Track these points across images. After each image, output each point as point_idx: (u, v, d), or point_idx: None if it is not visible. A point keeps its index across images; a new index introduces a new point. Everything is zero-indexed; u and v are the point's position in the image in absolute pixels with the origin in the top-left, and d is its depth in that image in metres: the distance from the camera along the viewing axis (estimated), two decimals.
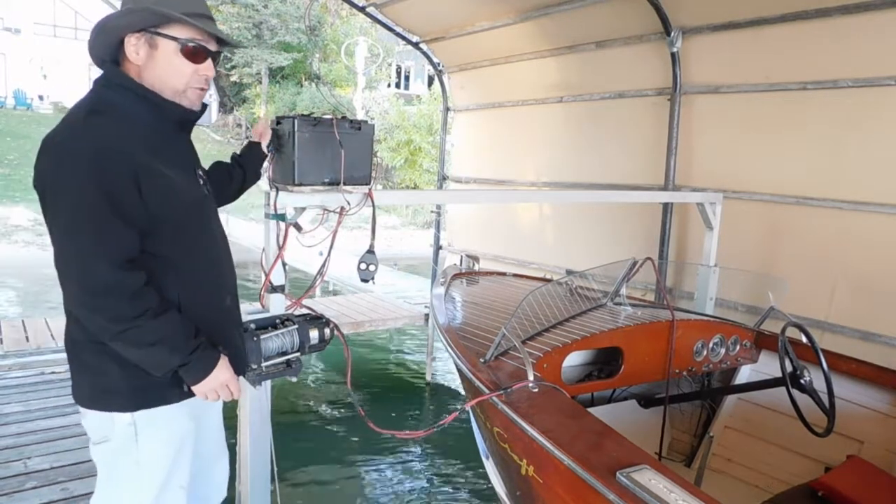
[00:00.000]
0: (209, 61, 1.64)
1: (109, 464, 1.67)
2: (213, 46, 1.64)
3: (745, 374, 3.41)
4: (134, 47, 1.58)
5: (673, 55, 4.77)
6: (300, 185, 2.48)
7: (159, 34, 1.57)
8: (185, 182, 1.68)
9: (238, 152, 2.24)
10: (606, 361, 2.98)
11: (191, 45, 1.59)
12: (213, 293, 1.76)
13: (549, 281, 4.05)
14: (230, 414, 2.12)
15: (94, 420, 1.65)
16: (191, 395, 1.69)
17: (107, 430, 1.64)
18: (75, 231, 1.47)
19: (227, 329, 1.79)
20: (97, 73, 1.65)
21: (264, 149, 2.23)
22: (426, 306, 6.93)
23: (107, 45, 1.61)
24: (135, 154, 1.51)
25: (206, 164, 1.97)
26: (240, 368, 1.81)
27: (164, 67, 1.59)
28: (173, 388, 1.65)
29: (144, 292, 1.52)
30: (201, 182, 1.77)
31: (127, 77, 1.60)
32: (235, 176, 2.16)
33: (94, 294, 1.46)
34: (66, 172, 1.46)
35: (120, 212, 1.48)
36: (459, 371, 2.67)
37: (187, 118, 1.68)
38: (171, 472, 1.69)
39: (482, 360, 2.44)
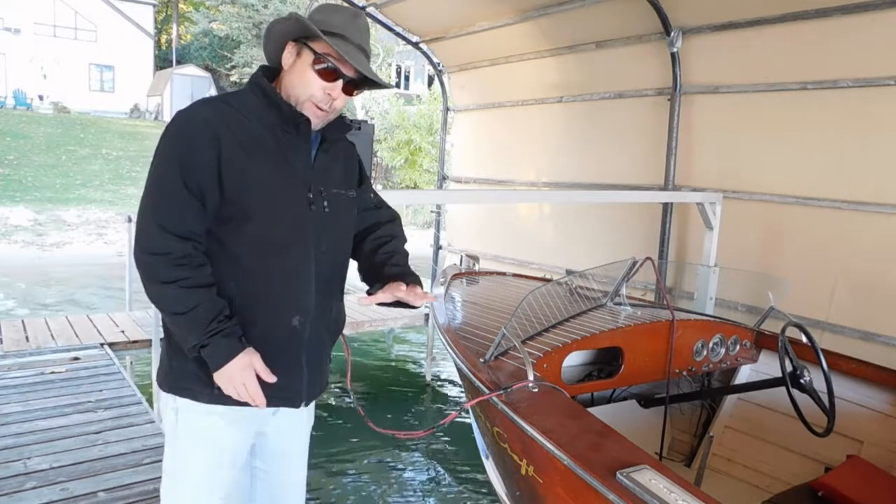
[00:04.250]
0: (339, 83, 1.63)
1: (167, 445, 1.72)
2: (349, 72, 1.62)
3: (745, 374, 3.41)
4: (288, 54, 1.65)
5: (673, 55, 4.77)
6: None
7: (307, 45, 1.62)
8: (281, 187, 1.61)
9: (394, 268, 1.77)
10: (606, 361, 2.98)
11: (323, 61, 1.61)
12: (277, 307, 1.64)
13: (549, 281, 4.05)
14: None
15: (160, 396, 1.75)
16: (223, 402, 1.60)
17: (164, 408, 1.71)
18: (148, 190, 1.56)
19: (289, 351, 1.67)
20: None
21: (413, 302, 1.69)
22: (426, 306, 6.93)
23: (275, 49, 1.69)
24: (227, 137, 1.55)
25: None
26: (292, 399, 1.72)
27: (297, 76, 1.63)
28: (204, 387, 1.60)
29: (191, 263, 1.53)
30: (311, 196, 1.64)
31: (264, 79, 1.66)
32: (370, 260, 1.81)
33: (144, 250, 1.53)
34: (162, 139, 1.58)
35: (189, 184, 1.53)
36: (459, 371, 2.67)
37: (301, 122, 1.63)
38: (203, 481, 1.66)
39: (482, 360, 2.43)
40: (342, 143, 1.80)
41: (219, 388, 1.58)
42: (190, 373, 1.60)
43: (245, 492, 1.81)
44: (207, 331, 1.53)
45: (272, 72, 1.69)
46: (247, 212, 1.57)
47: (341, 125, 1.75)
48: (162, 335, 1.70)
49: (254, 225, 1.58)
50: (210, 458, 1.67)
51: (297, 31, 1.63)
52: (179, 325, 1.56)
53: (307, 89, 1.62)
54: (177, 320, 1.55)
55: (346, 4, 1.71)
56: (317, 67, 1.61)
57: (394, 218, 1.93)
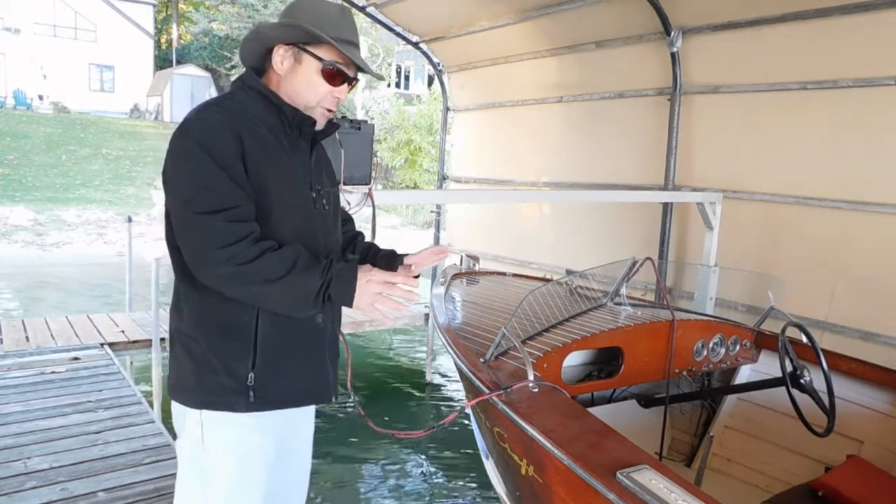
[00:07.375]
0: (344, 85, 1.70)
1: (183, 462, 1.71)
2: (351, 73, 1.69)
3: (745, 374, 3.41)
4: (281, 58, 1.65)
5: (673, 55, 4.77)
6: None
7: (307, 51, 1.64)
8: (292, 188, 1.65)
9: (383, 250, 1.97)
10: (606, 361, 2.98)
11: (332, 67, 1.65)
12: None
13: (549, 281, 4.05)
14: None
15: (175, 410, 1.70)
16: (259, 408, 1.64)
17: (181, 423, 1.68)
18: (194, 196, 1.49)
19: (317, 349, 1.73)
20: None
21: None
22: (426, 306, 6.93)
23: (256, 51, 1.70)
24: (245, 138, 1.55)
25: None
26: (325, 395, 1.77)
27: (302, 82, 1.66)
28: (239, 397, 1.61)
29: (261, 239, 1.52)
30: (314, 195, 1.71)
31: (260, 82, 1.67)
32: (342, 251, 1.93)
33: (220, 246, 1.47)
34: (184, 146, 1.53)
35: (232, 176, 1.51)
36: (459, 371, 2.67)
37: (306, 125, 1.69)
38: (237, 490, 1.66)
39: (482, 359, 2.43)
40: (320, 143, 1.84)
41: (254, 396, 1.61)
42: (224, 386, 1.60)
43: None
44: (323, 266, 1.53)
45: (258, 73, 1.70)
46: (265, 214, 1.58)
47: (330, 125, 1.79)
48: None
49: (271, 227, 1.58)
50: (243, 467, 1.66)
51: (296, 38, 1.64)
52: (293, 284, 1.50)
53: (316, 96, 1.67)
54: (287, 283, 1.50)
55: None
56: (325, 73, 1.65)
57: (352, 219, 2.11)
